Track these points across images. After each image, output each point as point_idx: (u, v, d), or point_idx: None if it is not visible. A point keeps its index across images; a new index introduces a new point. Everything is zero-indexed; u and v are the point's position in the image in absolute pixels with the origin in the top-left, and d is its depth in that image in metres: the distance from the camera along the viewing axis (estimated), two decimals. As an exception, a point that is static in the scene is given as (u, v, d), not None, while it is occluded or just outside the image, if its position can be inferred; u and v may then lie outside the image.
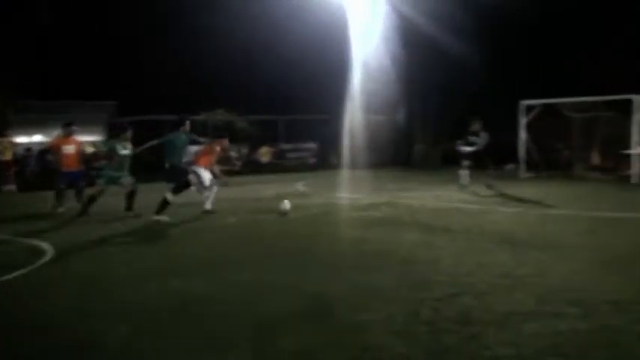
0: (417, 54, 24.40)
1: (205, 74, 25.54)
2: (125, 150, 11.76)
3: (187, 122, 11.87)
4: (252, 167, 24.36)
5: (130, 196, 11.81)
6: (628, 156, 18.16)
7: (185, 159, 11.79)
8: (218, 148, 12.14)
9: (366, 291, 5.75)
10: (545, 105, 19.39)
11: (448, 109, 24.77)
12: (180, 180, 11.23)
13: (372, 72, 24.39)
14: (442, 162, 25.27)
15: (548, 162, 19.99)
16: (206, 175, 11.57)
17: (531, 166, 19.79)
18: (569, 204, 12.37)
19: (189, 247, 8.46)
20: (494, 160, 22.48)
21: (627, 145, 17.90)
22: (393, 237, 8.78)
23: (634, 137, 17.30)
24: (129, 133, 11.93)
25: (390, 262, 7.02)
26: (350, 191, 15.81)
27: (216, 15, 25.26)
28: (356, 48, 25.11)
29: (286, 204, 11.55)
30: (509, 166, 21.87)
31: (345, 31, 25.15)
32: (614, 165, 20.78)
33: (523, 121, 19.54)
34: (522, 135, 19.56)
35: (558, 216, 10.73)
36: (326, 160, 26.77)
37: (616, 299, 5.24)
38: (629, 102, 17.53)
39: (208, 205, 11.67)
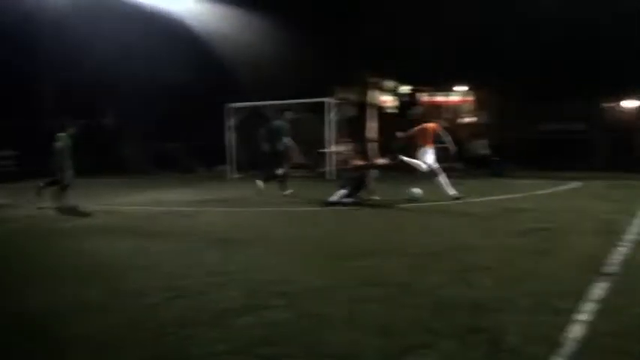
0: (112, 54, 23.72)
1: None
2: None
3: None
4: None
5: None
6: (324, 154, 20.00)
7: None
8: None
9: (80, 304, 5.49)
10: (251, 108, 20.36)
11: (158, 111, 24.71)
12: None
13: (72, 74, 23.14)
14: (156, 165, 25.07)
15: (256, 162, 21.00)
16: None
17: (240, 166, 20.64)
18: (275, 201, 13.26)
19: None
20: (206, 162, 23.07)
21: (323, 144, 19.73)
22: (107, 246, 8.49)
23: (327, 137, 19.07)
24: None
25: (105, 272, 6.79)
26: (58, 200, 14.83)
27: None
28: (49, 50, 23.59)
29: None
30: (220, 167, 22.59)
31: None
32: (315, 163, 22.71)
33: (230, 123, 20.28)
34: (230, 137, 20.29)
35: (267, 213, 11.42)
36: (28, 168, 24.65)
37: (316, 287, 5.79)
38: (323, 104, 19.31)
39: None
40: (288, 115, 16.87)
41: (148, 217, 11.40)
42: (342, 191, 12.76)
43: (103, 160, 26.09)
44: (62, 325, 4.92)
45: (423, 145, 13.25)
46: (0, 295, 5.90)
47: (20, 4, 21.06)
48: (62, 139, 12.91)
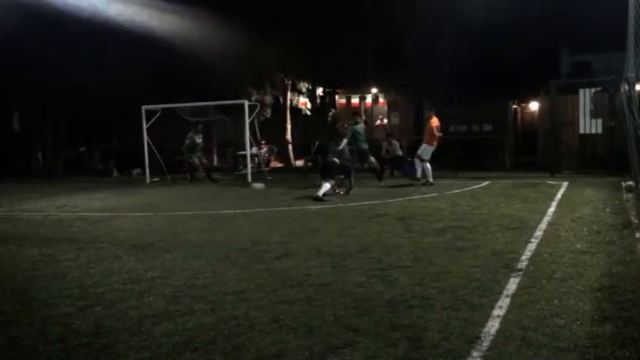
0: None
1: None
2: None
3: None
4: None
5: None
6: (243, 156, 19.89)
7: None
8: None
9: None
10: (165, 110, 19.92)
11: (69, 114, 23.86)
12: None
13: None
14: (65, 170, 24.18)
15: (172, 165, 20.62)
16: None
17: (156, 170, 20.19)
18: (192, 204, 13.05)
19: None
20: (122, 166, 22.47)
21: (240, 146, 19.61)
22: (10, 255, 8.09)
23: (246, 139, 18.94)
24: None
25: (9, 283, 6.46)
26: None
27: None
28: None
29: None
30: (136, 171, 22.03)
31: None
32: (232, 165, 22.55)
33: (145, 125, 19.80)
34: (144, 139, 19.81)
35: (183, 217, 11.21)
36: None
37: (237, 290, 5.73)
38: (239, 106, 19.18)
39: None
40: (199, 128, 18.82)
41: (55, 224, 10.93)
42: (327, 184, 13.22)
43: (8, 165, 24.90)
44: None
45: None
46: None
47: None
48: None
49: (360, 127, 16.30)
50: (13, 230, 10.36)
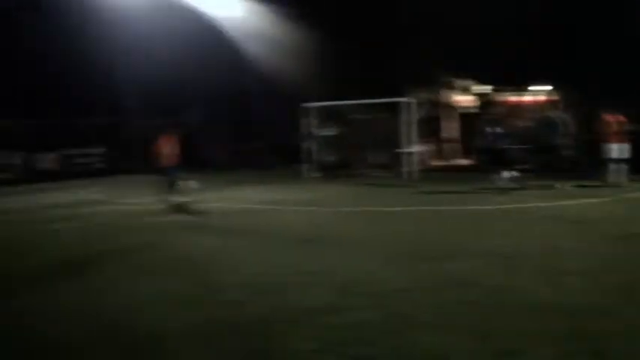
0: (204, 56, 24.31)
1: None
2: None
3: None
4: (34, 175, 22.35)
5: None
6: (403, 155, 19.79)
7: None
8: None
9: (165, 299, 5.60)
10: (325, 107, 20.33)
11: (237, 110, 25.12)
12: None
13: (161, 74, 23.81)
14: (241, 164, 25.43)
15: (333, 162, 20.97)
16: None
17: (318, 166, 20.64)
18: (356, 201, 13.19)
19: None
20: (286, 161, 23.24)
21: (400, 144, 19.52)
22: (188, 242, 8.64)
23: (405, 137, 18.82)
24: None
25: (187, 267, 6.91)
26: (144, 196, 15.26)
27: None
28: (140, 48, 24.44)
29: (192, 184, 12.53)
30: (298, 166, 22.65)
31: (125, 26, 24.34)
32: (392, 163, 22.51)
33: (308, 122, 20.30)
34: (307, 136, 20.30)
35: (347, 213, 11.35)
36: (116, 165, 25.54)
37: (402, 288, 5.68)
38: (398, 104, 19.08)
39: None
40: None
41: (228, 215, 11.52)
42: (506, 174, 13.27)
43: (186, 158, 26.77)
44: (144, 319, 5.02)
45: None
46: (85, 290, 6.08)
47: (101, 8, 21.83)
48: None
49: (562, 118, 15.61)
50: (189, 219, 11.05)
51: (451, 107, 25.77)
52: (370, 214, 11.06)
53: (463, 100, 27.66)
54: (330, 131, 19.60)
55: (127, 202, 14.02)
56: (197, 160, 26.70)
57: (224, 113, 26.54)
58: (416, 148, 20.02)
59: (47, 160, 23.41)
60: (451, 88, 25.73)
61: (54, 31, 22.16)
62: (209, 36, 22.64)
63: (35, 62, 23.35)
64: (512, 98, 28.75)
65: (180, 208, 11.60)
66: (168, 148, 12.46)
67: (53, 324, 4.97)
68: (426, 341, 4.26)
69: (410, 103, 19.48)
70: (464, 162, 22.79)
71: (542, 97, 27.89)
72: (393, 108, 20.07)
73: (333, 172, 20.39)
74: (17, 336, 4.77)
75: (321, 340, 4.34)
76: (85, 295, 5.84)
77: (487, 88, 26.94)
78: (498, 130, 15.10)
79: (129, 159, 25.07)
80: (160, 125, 14.12)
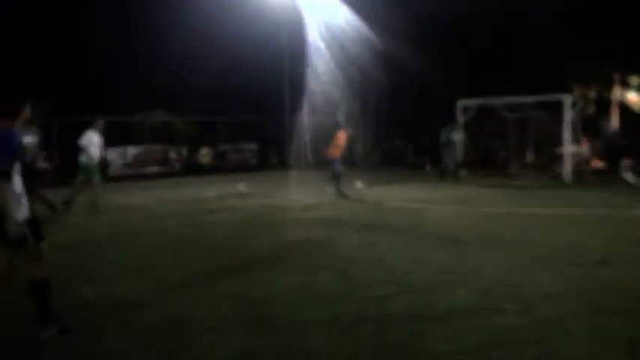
0: (357, 55, 24.74)
1: (143, 74, 25.06)
2: None
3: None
4: (192, 169, 24.00)
5: None
6: (560, 155, 18.83)
7: None
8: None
9: (309, 291, 5.77)
10: (480, 105, 19.83)
11: (388, 109, 25.22)
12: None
13: (312, 72, 24.59)
14: (382, 162, 25.56)
15: (485, 161, 20.46)
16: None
17: (469, 165, 20.22)
18: (504, 201, 12.77)
19: (126, 250, 8.26)
20: (434, 160, 23.01)
21: (558, 144, 18.56)
22: (334, 237, 8.82)
23: (565, 137, 17.90)
24: None
25: (333, 262, 7.05)
26: (292, 192, 15.83)
27: (151, 13, 24.93)
28: (295, 49, 25.42)
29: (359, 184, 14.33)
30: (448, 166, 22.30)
31: (283, 31, 25.45)
32: (547, 164, 21.49)
33: (461, 121, 19.94)
34: (461, 135, 19.95)
35: (494, 213, 11.03)
36: (267, 160, 26.73)
37: (551, 293, 5.44)
38: (558, 102, 18.13)
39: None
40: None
41: (373, 211, 11.64)
42: None
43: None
44: (295, 310, 5.20)
45: None
46: (245, 281, 6.41)
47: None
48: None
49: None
50: (336, 215, 11.27)
51: (620, 105, 24.08)
52: (520, 216, 10.63)
53: (632, 97, 25.79)
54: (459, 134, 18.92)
55: (282, 197, 14.55)
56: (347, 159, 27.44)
57: (370, 111, 26.87)
58: (574, 149, 18.95)
59: (203, 155, 24.95)
60: (621, 84, 24.06)
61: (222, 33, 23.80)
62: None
63: (202, 64, 25.17)
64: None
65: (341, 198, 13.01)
66: (341, 142, 14.15)
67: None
68: (575, 351, 4.06)
69: (573, 100, 18.46)
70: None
71: None
72: (555, 106, 19.14)
73: (484, 171, 19.90)
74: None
75: (461, 342, 4.27)
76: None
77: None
78: None
79: (280, 155, 26.31)
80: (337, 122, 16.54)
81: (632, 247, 7.50)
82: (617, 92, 23.73)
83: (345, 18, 24.54)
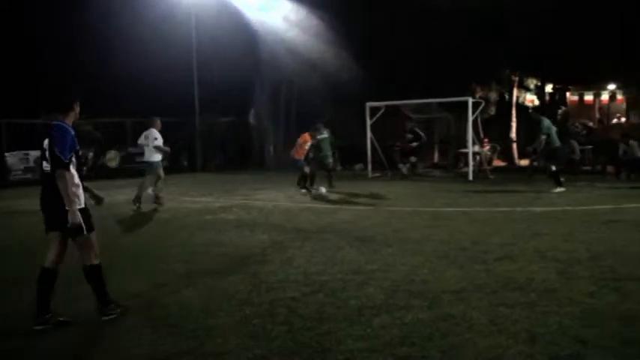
0: (266, 54, 24.76)
1: (47, 75, 24.02)
2: None
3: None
4: (100, 172, 23.15)
5: None
6: (464, 154, 19.54)
7: None
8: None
9: (220, 294, 5.73)
10: (387, 106, 20.26)
11: (299, 110, 25.37)
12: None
13: (220, 74, 24.36)
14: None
15: (391, 161, 20.88)
16: None
17: (377, 165, 20.62)
18: (412, 201, 13.11)
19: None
20: (344, 161, 23.32)
21: (462, 144, 19.25)
22: (245, 239, 8.79)
23: (469, 137, 18.56)
24: None
25: (243, 265, 7.04)
26: (202, 194, 15.64)
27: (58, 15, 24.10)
28: (202, 48, 25.19)
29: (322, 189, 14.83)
30: (359, 166, 22.71)
31: (189, 31, 25.17)
32: (452, 163, 22.25)
33: (368, 122, 20.30)
34: (368, 136, 20.32)
35: (403, 212, 11.30)
36: (176, 163, 26.26)
37: (455, 289, 5.64)
38: (462, 103, 18.77)
39: None
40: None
41: (284, 213, 11.65)
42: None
43: (247, 158, 27.52)
44: (206, 314, 5.15)
45: None
46: (153, 285, 6.26)
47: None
48: None
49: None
50: (247, 217, 11.25)
51: (518, 106, 25.19)
52: (427, 214, 10.93)
53: (530, 98, 27.07)
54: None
55: (192, 199, 14.32)
56: (254, 160, 27.47)
57: (281, 112, 27.14)
58: (477, 149, 19.71)
59: (110, 159, 24.36)
60: (519, 86, 25.17)
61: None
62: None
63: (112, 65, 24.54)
64: (583, 97, 27.93)
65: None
66: (306, 143, 15.29)
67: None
68: (479, 343, 4.22)
69: (475, 102, 19.16)
70: (525, 162, 22.22)
71: (611, 97, 27.03)
72: (459, 107, 19.80)
73: (391, 171, 20.34)
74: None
75: (371, 340, 4.36)
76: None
77: (553, 87, 26.30)
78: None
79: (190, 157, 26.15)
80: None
81: (531, 243, 7.86)
82: (516, 94, 24.82)
83: (258, 18, 24.53)
